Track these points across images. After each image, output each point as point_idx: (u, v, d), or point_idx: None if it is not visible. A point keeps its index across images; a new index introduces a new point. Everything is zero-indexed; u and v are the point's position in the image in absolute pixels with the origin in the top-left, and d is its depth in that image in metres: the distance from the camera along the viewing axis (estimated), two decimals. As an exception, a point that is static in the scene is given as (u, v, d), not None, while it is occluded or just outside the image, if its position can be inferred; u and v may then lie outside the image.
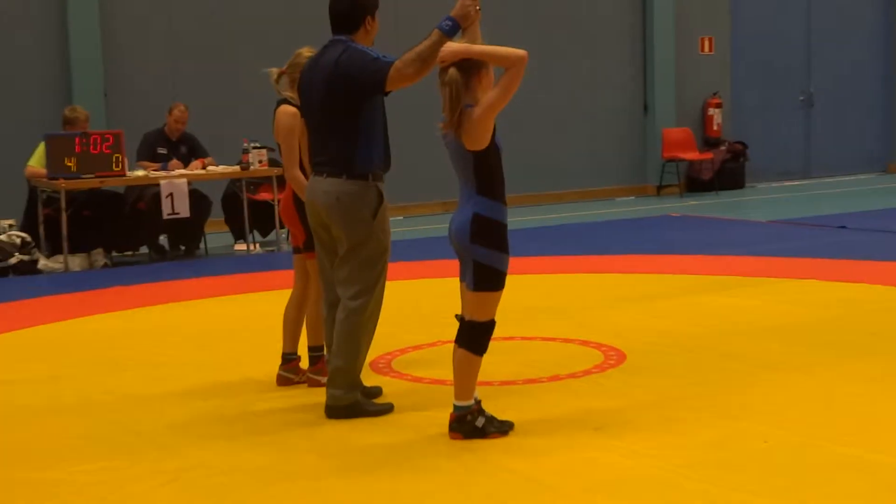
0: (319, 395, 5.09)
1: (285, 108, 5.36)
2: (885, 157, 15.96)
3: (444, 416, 4.57)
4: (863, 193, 13.84)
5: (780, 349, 5.88)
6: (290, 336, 5.59)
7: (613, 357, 5.80)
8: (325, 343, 5.27)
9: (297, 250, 5.62)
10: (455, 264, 4.62)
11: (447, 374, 4.77)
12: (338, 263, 4.86)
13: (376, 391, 5.19)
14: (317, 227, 4.94)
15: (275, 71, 5.50)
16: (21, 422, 5.06)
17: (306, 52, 5.27)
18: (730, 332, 6.34)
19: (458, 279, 4.55)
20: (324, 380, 5.23)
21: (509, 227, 4.47)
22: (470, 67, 4.23)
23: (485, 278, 4.32)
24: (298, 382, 5.55)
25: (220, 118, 11.14)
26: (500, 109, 4.24)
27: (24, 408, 5.28)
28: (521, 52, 4.18)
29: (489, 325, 4.41)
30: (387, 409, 4.91)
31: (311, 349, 5.59)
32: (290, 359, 5.54)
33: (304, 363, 5.65)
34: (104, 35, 11.44)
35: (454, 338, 4.49)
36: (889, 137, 16.10)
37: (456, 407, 4.36)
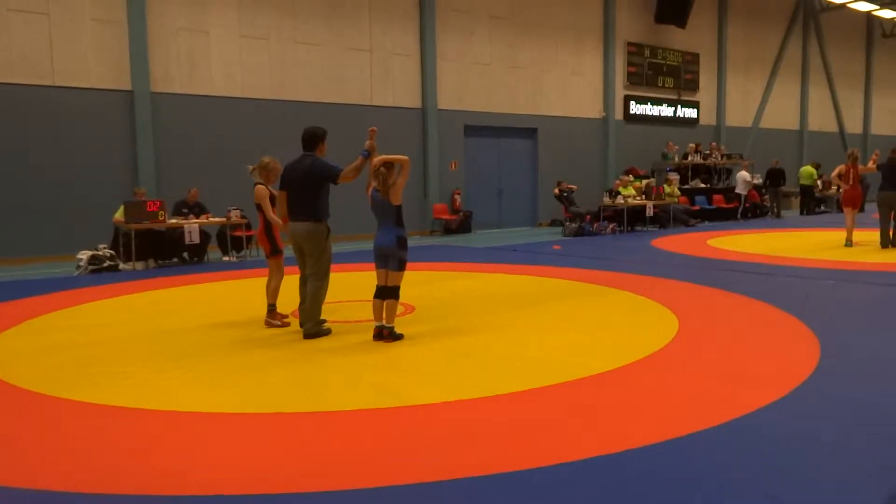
0: (279, 330, 5.99)
1: (260, 187, 6.19)
2: (534, 219, 19.08)
3: (352, 337, 5.53)
4: (523, 235, 16.34)
5: (489, 305, 7.07)
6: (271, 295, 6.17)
7: (409, 309, 6.73)
8: (300, 299, 5.82)
9: (267, 256, 6.33)
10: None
11: (352, 316, 6.02)
12: (308, 263, 5.72)
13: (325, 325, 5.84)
14: (296, 246, 5.73)
15: (251, 167, 6.29)
16: (111, 344, 5.64)
17: (266, 158, 6.19)
18: (466, 297, 7.54)
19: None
20: (277, 322, 6.04)
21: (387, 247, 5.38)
22: (390, 165, 5.33)
23: (402, 266, 5.43)
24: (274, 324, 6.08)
25: (216, 194, 12.61)
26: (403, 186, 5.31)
27: (114, 337, 5.89)
28: (406, 157, 5.35)
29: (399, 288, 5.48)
30: (328, 332, 5.79)
31: (270, 306, 6.18)
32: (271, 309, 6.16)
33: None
34: (157, 149, 13.01)
35: (373, 295, 5.49)
36: (535, 211, 19.21)
37: (385, 326, 5.44)
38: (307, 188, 5.63)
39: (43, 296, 8.23)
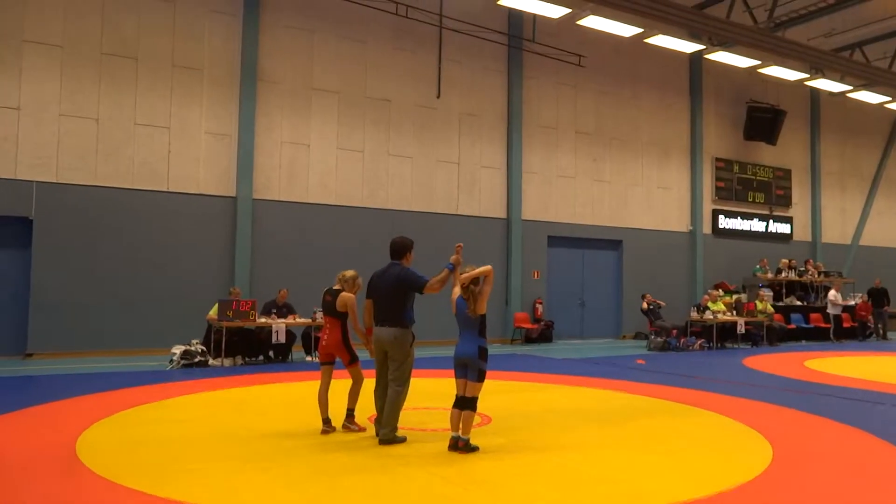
0: (353, 435, 6.01)
1: (350, 294, 6.31)
2: (617, 331, 18.63)
3: (427, 446, 5.51)
4: (605, 347, 16.12)
5: (568, 420, 6.94)
6: (324, 407, 6.22)
7: (485, 420, 6.74)
8: (376, 408, 5.89)
9: (324, 363, 6.34)
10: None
11: (428, 424, 6.10)
12: (391, 368, 5.76)
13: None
14: (379, 351, 5.79)
15: (343, 278, 6.44)
16: (194, 440, 5.81)
17: (353, 272, 6.38)
18: (544, 410, 7.46)
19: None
20: (355, 427, 6.13)
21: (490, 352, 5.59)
22: (476, 280, 5.42)
23: (481, 377, 5.41)
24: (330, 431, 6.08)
25: (304, 295, 12.72)
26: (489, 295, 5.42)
27: (197, 433, 6.07)
28: (489, 267, 5.42)
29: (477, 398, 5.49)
30: (403, 439, 5.83)
31: (349, 410, 6.18)
32: (329, 420, 6.20)
33: (336, 423, 6.16)
34: (253, 250, 13.70)
35: (452, 405, 5.49)
36: (618, 322, 18.61)
37: (461, 437, 5.40)
38: (395, 296, 5.75)
39: (137, 388, 8.53)
